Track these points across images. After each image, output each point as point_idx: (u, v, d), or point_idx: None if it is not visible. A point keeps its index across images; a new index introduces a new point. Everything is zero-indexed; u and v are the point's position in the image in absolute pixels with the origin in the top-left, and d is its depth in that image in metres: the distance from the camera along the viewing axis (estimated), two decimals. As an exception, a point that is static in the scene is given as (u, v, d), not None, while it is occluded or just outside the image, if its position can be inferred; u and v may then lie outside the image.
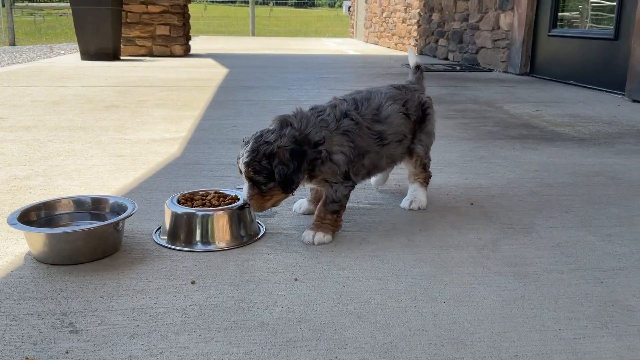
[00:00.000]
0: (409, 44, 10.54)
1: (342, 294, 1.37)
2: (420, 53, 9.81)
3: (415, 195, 1.97)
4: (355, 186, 1.73)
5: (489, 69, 7.04)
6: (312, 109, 1.70)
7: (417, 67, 2.04)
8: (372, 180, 2.11)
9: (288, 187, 1.57)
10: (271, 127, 1.62)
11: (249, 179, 1.58)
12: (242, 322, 1.24)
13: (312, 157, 1.60)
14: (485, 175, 2.40)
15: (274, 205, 1.66)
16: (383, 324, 1.24)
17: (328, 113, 1.67)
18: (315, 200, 1.87)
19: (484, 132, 3.29)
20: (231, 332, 1.20)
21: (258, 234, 1.73)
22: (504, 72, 6.71)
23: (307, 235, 1.67)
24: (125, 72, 6.12)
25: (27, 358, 1.09)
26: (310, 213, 1.86)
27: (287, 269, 1.50)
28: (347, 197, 1.71)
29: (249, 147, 1.57)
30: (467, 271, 1.50)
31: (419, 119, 1.88)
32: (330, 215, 1.68)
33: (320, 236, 1.66)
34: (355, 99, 1.75)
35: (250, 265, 1.52)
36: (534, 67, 6.35)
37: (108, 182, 2.21)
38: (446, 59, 8.56)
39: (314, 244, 1.65)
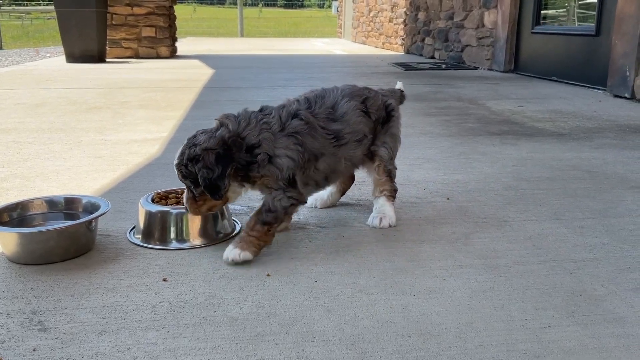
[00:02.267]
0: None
1: (314, 289, 1.38)
2: (407, 52, 9.85)
3: (384, 211, 1.78)
4: (301, 203, 1.58)
5: (474, 66, 7.08)
6: (260, 109, 1.58)
7: (401, 91, 1.92)
8: (318, 200, 1.93)
9: (214, 193, 1.47)
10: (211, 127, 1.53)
11: (182, 182, 1.54)
12: (212, 318, 1.24)
13: (246, 162, 1.49)
14: (463, 171, 2.41)
15: (210, 210, 1.58)
16: (352, 316, 1.25)
17: (273, 115, 1.55)
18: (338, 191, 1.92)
19: (465, 129, 3.31)
20: (200, 327, 1.21)
21: (234, 231, 1.73)
22: (488, 69, 6.75)
23: (226, 251, 1.51)
24: (109, 74, 6.10)
25: (-7, 357, 1.09)
26: (318, 207, 1.93)
27: (260, 265, 1.51)
28: (286, 210, 1.54)
29: (180, 149, 1.51)
30: (439, 264, 1.52)
31: (383, 119, 1.75)
32: (261, 226, 1.51)
33: (235, 253, 1.49)
34: (308, 98, 1.63)
35: (223, 262, 1.53)
36: (518, 64, 6.39)
37: (86, 183, 2.21)
38: (432, 57, 8.60)
39: (228, 262, 1.49)
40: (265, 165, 1.50)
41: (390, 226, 1.76)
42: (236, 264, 1.49)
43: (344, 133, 1.62)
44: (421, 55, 9.12)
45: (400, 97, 1.91)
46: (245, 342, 1.16)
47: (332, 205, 1.95)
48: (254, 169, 1.50)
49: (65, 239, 1.49)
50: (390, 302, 1.31)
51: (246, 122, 1.52)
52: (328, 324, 1.22)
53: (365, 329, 1.20)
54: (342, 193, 1.97)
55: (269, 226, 1.52)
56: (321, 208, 1.94)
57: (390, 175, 1.80)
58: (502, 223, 1.82)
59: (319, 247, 1.63)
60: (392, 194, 1.82)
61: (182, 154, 1.49)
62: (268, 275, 1.45)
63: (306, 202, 1.63)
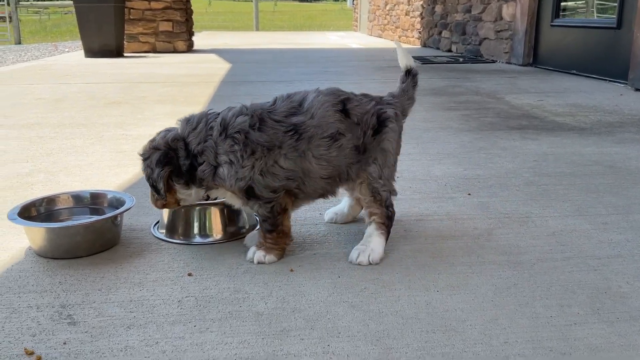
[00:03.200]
0: (400, 36, 10.52)
1: (337, 284, 1.39)
2: (424, 45, 9.79)
3: (367, 243, 1.53)
4: (283, 204, 1.47)
5: (492, 60, 7.02)
6: (223, 111, 1.48)
7: (408, 72, 1.66)
8: (338, 214, 1.77)
9: (156, 192, 1.47)
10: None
11: None
12: (237, 313, 1.26)
13: (190, 167, 1.44)
14: (483, 166, 2.40)
15: (165, 207, 1.54)
16: (376, 312, 1.26)
17: (219, 118, 1.45)
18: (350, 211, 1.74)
19: (484, 124, 3.29)
20: (226, 322, 1.22)
21: (256, 226, 1.74)
22: (507, 63, 6.68)
23: (250, 252, 1.52)
24: (128, 68, 6.14)
25: (25, 349, 1.12)
26: (339, 222, 1.76)
27: (283, 260, 1.52)
28: (273, 214, 1.46)
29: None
30: (462, 260, 1.52)
31: (373, 127, 1.50)
32: (269, 234, 1.49)
33: (260, 255, 1.50)
34: (277, 97, 1.51)
35: (246, 257, 1.54)
36: (536, 57, 6.32)
37: (108, 178, 2.24)
38: (449, 50, 8.54)
39: (253, 262, 1.50)
40: (212, 176, 1.44)
41: (370, 263, 1.48)
42: (260, 263, 1.50)
43: (307, 125, 1.44)
44: (438, 48, 9.06)
45: (410, 86, 1.64)
46: (271, 337, 1.17)
47: (354, 219, 1.77)
48: (201, 177, 1.45)
49: (91, 233, 1.51)
50: (414, 298, 1.32)
51: (193, 126, 1.46)
52: (352, 319, 1.23)
53: (390, 325, 1.21)
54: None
55: (275, 232, 1.49)
56: (342, 223, 1.76)
57: (375, 195, 1.53)
58: (524, 219, 1.81)
59: (341, 243, 1.63)
60: (384, 222, 1.54)
61: (142, 149, 1.52)
62: (291, 270, 1.46)
63: (287, 203, 1.49)
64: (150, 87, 4.74)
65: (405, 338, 1.16)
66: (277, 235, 1.50)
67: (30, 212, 1.60)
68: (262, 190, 1.44)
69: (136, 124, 3.25)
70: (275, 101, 1.50)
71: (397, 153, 1.60)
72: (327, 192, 1.54)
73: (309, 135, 1.44)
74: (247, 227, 1.72)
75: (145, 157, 1.48)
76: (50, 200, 1.67)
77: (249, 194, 1.44)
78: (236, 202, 1.52)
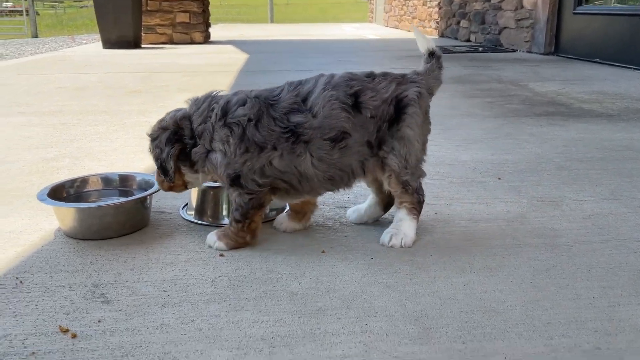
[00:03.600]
0: (417, 26, 10.41)
1: (370, 265, 1.37)
2: (442, 35, 9.69)
3: (399, 227, 1.48)
4: (262, 200, 1.42)
5: (512, 49, 6.93)
6: (229, 94, 1.45)
7: (431, 54, 1.55)
8: (352, 214, 1.64)
9: (164, 174, 1.44)
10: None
11: None
12: (272, 292, 1.24)
13: (190, 148, 1.42)
14: (511, 151, 2.36)
15: (172, 190, 1.51)
16: (412, 293, 1.23)
17: (221, 101, 1.42)
18: (294, 213, 1.57)
19: (509, 110, 3.24)
20: (261, 301, 1.20)
21: (284, 209, 1.72)
22: (527, 52, 6.59)
23: (208, 235, 1.49)
24: (146, 59, 6.15)
25: (60, 327, 1.11)
26: (354, 221, 1.62)
27: (314, 242, 1.50)
28: (248, 206, 1.41)
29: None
30: (496, 243, 1.48)
31: (390, 119, 1.42)
32: (235, 222, 1.43)
33: (211, 240, 1.46)
34: (286, 84, 1.44)
35: (277, 238, 1.52)
36: (558, 46, 6.22)
37: (133, 163, 2.23)
38: (468, 40, 8.44)
39: (211, 248, 1.46)
40: (204, 160, 1.41)
41: (402, 247, 1.45)
42: (212, 248, 1.46)
43: (306, 127, 1.37)
44: (456, 38, 8.96)
45: (435, 67, 1.53)
46: (307, 316, 1.15)
47: (370, 220, 1.62)
48: (198, 160, 1.42)
49: (121, 214, 1.50)
50: (450, 280, 1.29)
51: (198, 106, 1.43)
52: (389, 299, 1.21)
53: (427, 305, 1.18)
54: (386, 207, 1.61)
55: (241, 224, 1.43)
56: (356, 224, 1.62)
57: (406, 187, 1.46)
58: (558, 202, 1.77)
59: (372, 226, 1.61)
60: (415, 207, 1.49)
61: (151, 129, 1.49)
62: (323, 252, 1.44)
63: (266, 200, 1.43)
64: (170, 76, 4.74)
65: (444, 318, 1.13)
66: (241, 228, 1.43)
67: (59, 194, 1.59)
68: (247, 182, 1.39)
69: (158, 112, 3.24)
70: (283, 89, 1.43)
71: (425, 134, 1.51)
72: (333, 189, 1.48)
73: (307, 139, 1.37)
74: (276, 209, 1.70)
75: (154, 136, 1.45)
76: (80, 182, 1.67)
77: (234, 182, 1.40)
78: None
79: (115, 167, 2.17)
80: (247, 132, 1.37)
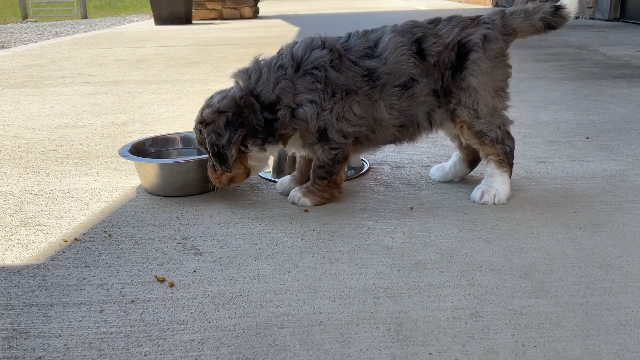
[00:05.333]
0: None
1: (464, 222, 1.30)
2: (496, 5, 9.37)
3: (490, 182, 1.40)
4: (346, 152, 1.36)
5: (575, 16, 6.61)
6: (282, 49, 1.36)
7: (558, 8, 1.38)
8: (436, 172, 1.57)
9: (221, 162, 1.34)
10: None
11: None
12: (365, 246, 1.19)
13: (266, 121, 1.31)
14: (595, 112, 2.23)
15: (232, 182, 1.41)
16: (516, 248, 1.16)
17: (285, 54, 1.33)
18: (300, 175, 1.51)
19: (583, 73, 3.07)
20: (355, 254, 1.15)
21: (363, 169, 1.67)
22: (590, 18, 6.29)
23: (292, 191, 1.44)
24: (199, 33, 6.16)
25: (157, 277, 1.09)
26: (437, 179, 1.56)
27: (400, 199, 1.44)
28: (334, 161, 1.36)
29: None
30: (598, 200, 1.39)
31: (452, 67, 1.33)
32: (320, 180, 1.39)
33: (296, 197, 1.41)
34: (350, 33, 1.38)
35: (360, 196, 1.47)
36: (624, 11, 5.90)
37: (203, 126, 2.21)
38: (524, 9, 8.12)
39: (296, 205, 1.41)
40: (290, 120, 1.31)
41: (495, 204, 1.37)
42: (296, 205, 1.41)
43: (380, 72, 1.32)
44: (511, 8, 8.64)
45: (549, 16, 1.37)
46: (407, 269, 1.09)
47: (456, 178, 1.54)
48: (279, 127, 1.32)
49: (204, 170, 1.48)
50: (555, 235, 1.21)
51: (257, 74, 1.32)
52: (492, 254, 1.14)
53: (536, 260, 1.11)
54: (472, 164, 1.53)
55: (325, 180, 1.38)
56: (439, 182, 1.55)
57: (482, 137, 1.37)
58: (657, 160, 1.65)
59: (458, 183, 1.53)
60: (503, 159, 1.39)
61: (199, 116, 1.36)
62: (411, 208, 1.38)
63: (349, 153, 1.37)
64: (225, 48, 4.72)
65: (557, 273, 1.06)
66: (328, 184, 1.39)
67: (140, 151, 1.58)
68: (334, 135, 1.33)
69: (218, 81, 3.22)
70: (348, 37, 1.36)
71: (500, 79, 1.37)
72: (398, 139, 1.40)
73: (382, 83, 1.32)
74: (354, 167, 1.65)
75: (209, 121, 1.32)
76: (160, 140, 1.65)
77: (322, 136, 1.33)
78: (297, 149, 1.41)
79: (187, 130, 2.15)
80: (330, 76, 1.30)
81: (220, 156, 1.33)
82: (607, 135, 1.92)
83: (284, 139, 1.36)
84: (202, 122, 1.34)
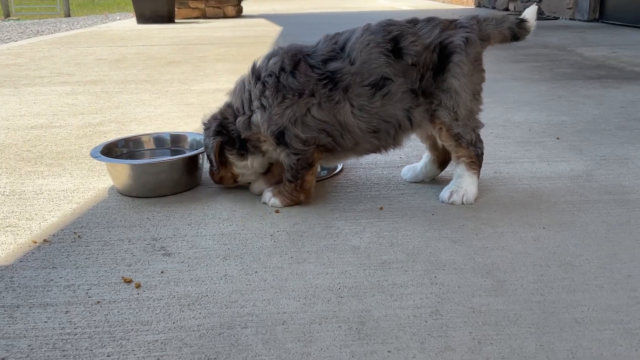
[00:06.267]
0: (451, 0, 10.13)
1: (432, 221, 1.32)
2: (478, 5, 9.44)
3: (459, 183, 1.42)
4: (310, 159, 1.36)
5: (554, 17, 6.69)
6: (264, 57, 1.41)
7: (521, 21, 1.43)
8: (407, 173, 1.58)
9: (211, 164, 1.45)
10: None
11: None
12: (333, 246, 1.21)
13: (237, 133, 1.40)
14: (567, 113, 2.26)
15: (220, 182, 1.50)
16: (480, 247, 1.18)
17: (252, 66, 1.40)
18: (271, 176, 1.51)
19: (559, 74, 3.12)
20: (323, 254, 1.17)
21: (336, 169, 1.68)
22: (570, 19, 6.36)
23: (264, 192, 1.46)
24: (181, 32, 6.14)
25: (123, 278, 1.10)
26: (408, 180, 1.57)
27: (370, 200, 1.46)
28: (298, 167, 1.37)
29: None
30: (564, 199, 1.42)
31: (433, 68, 1.33)
32: (288, 183, 1.40)
33: (267, 195, 1.44)
34: (324, 36, 1.39)
35: (332, 196, 1.49)
36: (603, 12, 5.98)
37: (179, 127, 2.21)
38: (506, 9, 8.19)
39: (267, 205, 1.43)
40: (248, 127, 1.38)
41: (463, 203, 1.39)
42: (272, 206, 1.42)
43: (342, 73, 1.31)
44: (494, 7, 8.71)
45: (515, 27, 1.41)
46: (372, 268, 1.11)
47: (426, 179, 1.56)
48: (240, 131, 1.39)
49: (176, 171, 1.48)
50: (519, 235, 1.24)
51: (234, 88, 1.43)
52: (456, 254, 1.16)
53: (498, 259, 1.13)
54: (442, 165, 1.55)
55: (294, 184, 1.39)
56: (410, 182, 1.56)
57: (459, 140, 1.38)
58: (623, 160, 1.69)
59: (428, 184, 1.55)
60: (474, 161, 1.41)
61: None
62: (381, 208, 1.40)
63: (314, 159, 1.37)
64: (207, 48, 4.72)
65: (518, 271, 1.08)
66: (294, 188, 1.40)
67: (112, 152, 1.58)
68: (292, 140, 1.34)
69: (198, 80, 3.22)
70: (320, 41, 1.39)
71: (477, 83, 1.39)
72: (379, 146, 1.40)
73: (345, 85, 1.31)
74: (327, 169, 1.66)
75: (207, 126, 1.45)
76: (132, 141, 1.65)
77: (279, 139, 1.35)
78: (275, 157, 1.42)
79: (162, 131, 2.15)
80: (282, 80, 1.32)
81: (209, 158, 1.44)
82: (577, 135, 1.95)
83: (256, 148, 1.41)
84: (204, 125, 1.46)
